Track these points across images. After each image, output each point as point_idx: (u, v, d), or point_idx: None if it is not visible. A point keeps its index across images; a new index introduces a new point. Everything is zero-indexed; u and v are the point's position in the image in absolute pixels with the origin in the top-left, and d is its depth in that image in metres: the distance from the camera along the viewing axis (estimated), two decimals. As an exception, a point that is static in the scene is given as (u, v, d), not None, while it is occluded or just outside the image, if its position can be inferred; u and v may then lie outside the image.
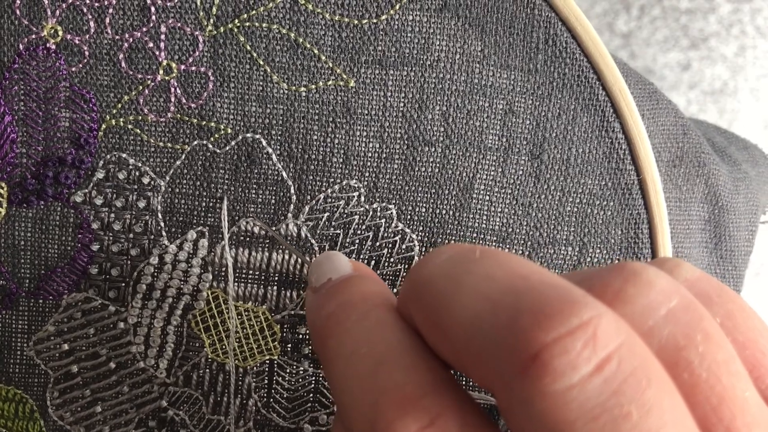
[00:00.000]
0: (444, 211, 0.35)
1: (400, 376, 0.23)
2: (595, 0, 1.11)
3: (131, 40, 0.34)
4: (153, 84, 0.34)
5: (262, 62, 0.34)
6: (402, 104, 0.35)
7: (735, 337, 0.24)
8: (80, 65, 0.34)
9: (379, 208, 0.35)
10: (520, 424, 0.21)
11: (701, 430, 0.22)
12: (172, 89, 0.34)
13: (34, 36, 0.33)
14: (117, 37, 0.33)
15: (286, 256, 0.35)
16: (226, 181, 0.35)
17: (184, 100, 0.34)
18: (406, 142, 0.35)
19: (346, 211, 0.35)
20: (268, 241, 0.35)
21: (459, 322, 0.22)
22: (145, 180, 0.34)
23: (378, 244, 0.35)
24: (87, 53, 0.34)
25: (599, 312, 0.20)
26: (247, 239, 0.35)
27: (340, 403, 0.25)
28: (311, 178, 0.35)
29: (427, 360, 0.24)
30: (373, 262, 0.36)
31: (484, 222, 0.36)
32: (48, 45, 0.33)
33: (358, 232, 0.35)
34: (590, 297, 0.21)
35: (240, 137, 0.34)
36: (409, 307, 0.25)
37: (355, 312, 0.26)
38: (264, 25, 0.34)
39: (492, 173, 0.35)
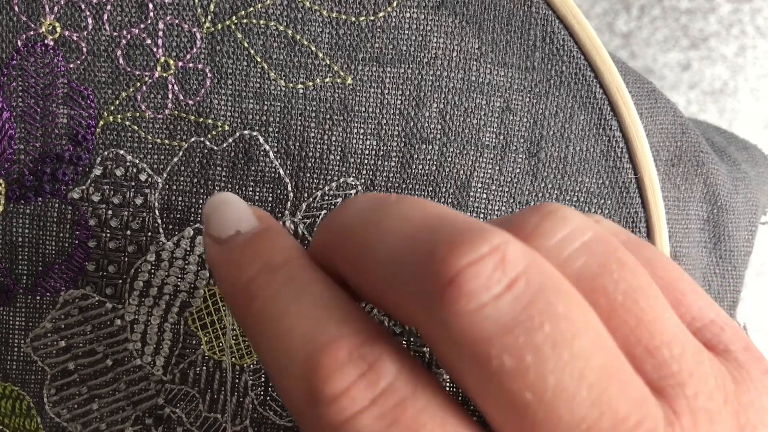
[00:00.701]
0: (441, 209, 0.35)
1: (333, 330, 0.23)
2: (595, 0, 1.10)
3: (129, 36, 0.34)
4: (150, 81, 0.34)
5: (259, 59, 0.34)
6: (399, 102, 0.35)
7: (655, 281, 0.25)
8: (78, 62, 0.34)
9: None
10: (443, 350, 0.22)
11: (624, 354, 0.23)
12: (170, 86, 0.34)
13: (32, 32, 0.33)
14: (115, 33, 0.33)
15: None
16: (224, 178, 0.35)
17: (181, 97, 0.34)
18: (403, 139, 0.35)
19: (343, 209, 0.35)
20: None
21: (380, 261, 0.24)
22: (143, 177, 0.34)
23: None
24: (85, 50, 0.34)
25: (507, 239, 0.22)
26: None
27: (272, 368, 0.25)
28: (308, 175, 0.35)
29: (357, 312, 0.24)
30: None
31: (482, 220, 0.35)
32: (46, 41, 0.33)
33: None
34: (498, 228, 0.22)
35: (237, 134, 0.34)
36: (329, 254, 0.26)
37: (280, 274, 0.26)
38: (261, 22, 0.34)
39: (489, 171, 0.35)
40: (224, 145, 0.34)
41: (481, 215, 0.35)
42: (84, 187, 0.34)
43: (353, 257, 0.25)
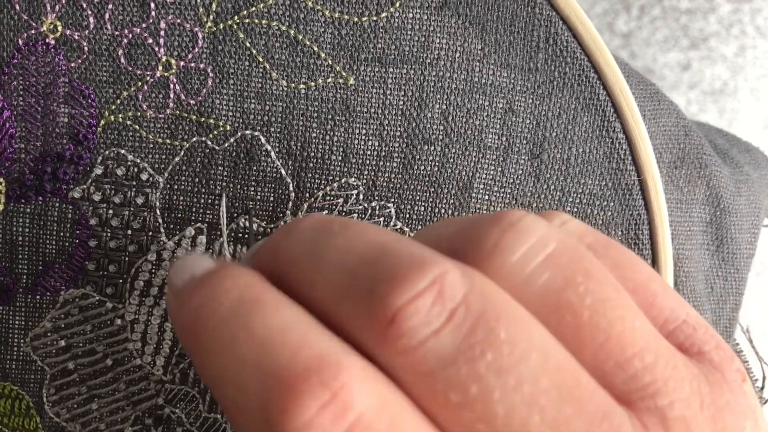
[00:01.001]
0: (443, 210, 0.35)
1: (286, 356, 0.22)
2: (595, 0, 1.10)
3: (131, 35, 0.33)
4: (152, 80, 0.34)
5: (261, 59, 0.34)
6: (401, 102, 0.35)
7: (624, 284, 0.25)
8: (79, 61, 0.33)
9: (377, 207, 0.35)
10: (398, 382, 0.22)
11: (594, 370, 0.22)
12: (171, 85, 0.34)
13: (33, 31, 0.33)
14: (116, 32, 0.33)
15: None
16: (225, 178, 0.34)
17: (183, 97, 0.34)
18: (405, 140, 0.35)
19: (344, 209, 0.35)
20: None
21: (323, 298, 0.23)
22: (144, 176, 0.34)
23: None
24: (86, 49, 0.33)
25: (445, 269, 0.21)
26: (246, 236, 0.35)
27: (223, 397, 0.23)
28: (310, 175, 0.35)
29: (313, 332, 0.23)
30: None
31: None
32: (47, 40, 0.33)
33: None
34: (438, 256, 0.22)
35: (239, 134, 0.34)
36: (274, 281, 0.25)
37: (228, 298, 0.24)
38: (264, 21, 0.34)
39: (491, 172, 0.35)
40: (226, 144, 0.34)
41: (483, 216, 0.35)
42: (85, 187, 0.34)
43: (297, 290, 0.24)
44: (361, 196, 0.35)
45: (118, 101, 0.34)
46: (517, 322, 0.21)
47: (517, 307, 0.22)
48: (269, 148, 0.34)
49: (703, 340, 0.26)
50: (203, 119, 0.34)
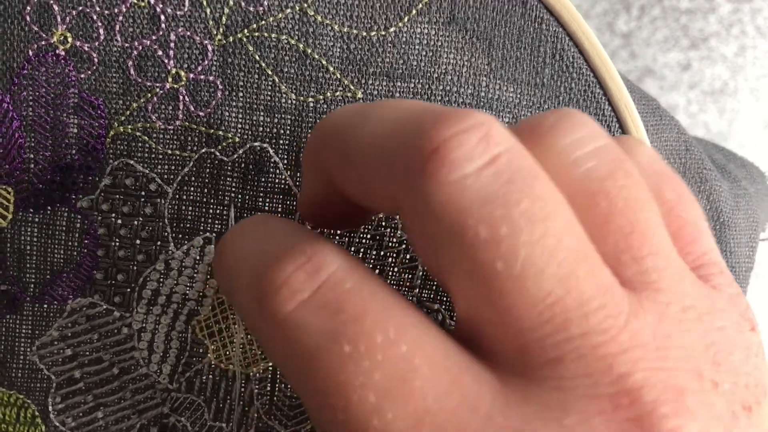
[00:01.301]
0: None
1: (278, 240, 0.25)
2: (595, 0, 1.11)
3: (140, 47, 0.34)
4: (162, 92, 0.34)
5: (270, 72, 0.34)
6: (409, 116, 0.35)
7: (670, 221, 0.27)
8: (89, 72, 0.34)
9: (384, 218, 0.35)
10: (421, 228, 0.23)
11: (610, 259, 0.24)
12: (181, 97, 0.34)
13: (43, 42, 0.33)
14: (126, 44, 0.34)
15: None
16: (234, 189, 0.35)
17: (192, 109, 0.34)
18: None
19: (351, 221, 0.35)
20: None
21: (367, 143, 0.24)
22: (153, 186, 0.34)
23: (382, 253, 0.36)
24: (96, 60, 0.34)
25: (492, 119, 0.23)
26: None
27: (231, 292, 0.26)
28: None
29: (304, 229, 0.26)
30: (377, 271, 0.36)
31: None
32: (57, 51, 0.33)
33: (363, 241, 0.36)
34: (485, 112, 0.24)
35: (248, 146, 0.34)
36: (320, 154, 0.27)
37: (244, 224, 0.28)
38: (273, 35, 0.34)
39: None
40: (234, 156, 0.34)
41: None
42: (93, 197, 0.34)
43: (339, 147, 0.26)
44: (367, 209, 0.35)
45: (128, 112, 0.34)
46: (550, 186, 0.23)
47: (548, 177, 0.23)
48: (278, 160, 0.35)
49: (727, 282, 0.27)
50: (212, 131, 0.34)
